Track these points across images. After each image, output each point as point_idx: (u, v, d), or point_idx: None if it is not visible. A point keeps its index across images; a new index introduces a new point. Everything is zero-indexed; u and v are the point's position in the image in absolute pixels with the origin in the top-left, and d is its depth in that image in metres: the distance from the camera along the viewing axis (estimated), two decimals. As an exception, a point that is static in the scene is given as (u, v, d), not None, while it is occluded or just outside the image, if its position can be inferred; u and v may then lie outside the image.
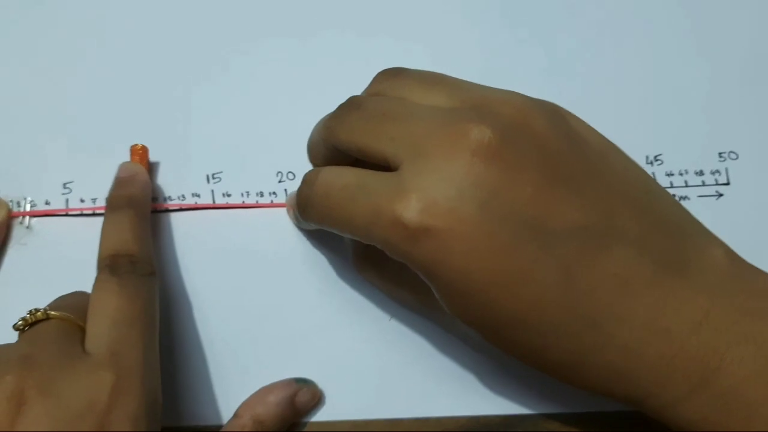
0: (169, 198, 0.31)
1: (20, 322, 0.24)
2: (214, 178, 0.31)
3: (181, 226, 0.31)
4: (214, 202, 0.31)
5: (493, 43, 0.33)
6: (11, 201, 0.31)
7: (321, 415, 0.29)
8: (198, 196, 0.31)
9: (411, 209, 0.22)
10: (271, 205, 0.31)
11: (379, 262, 0.28)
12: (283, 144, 0.32)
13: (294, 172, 0.31)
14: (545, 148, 0.23)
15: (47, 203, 0.31)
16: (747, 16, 0.34)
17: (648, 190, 0.25)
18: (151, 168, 0.31)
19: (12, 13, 0.33)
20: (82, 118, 0.32)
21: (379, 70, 0.27)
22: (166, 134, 0.31)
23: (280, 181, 0.31)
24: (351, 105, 0.26)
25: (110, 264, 0.26)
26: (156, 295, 0.26)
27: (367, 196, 0.23)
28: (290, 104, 0.32)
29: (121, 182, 0.29)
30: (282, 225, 0.31)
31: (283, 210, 0.31)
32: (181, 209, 0.31)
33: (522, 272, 0.22)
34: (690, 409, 0.23)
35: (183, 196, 0.31)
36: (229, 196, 0.31)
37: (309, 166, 0.30)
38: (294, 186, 0.31)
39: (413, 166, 0.23)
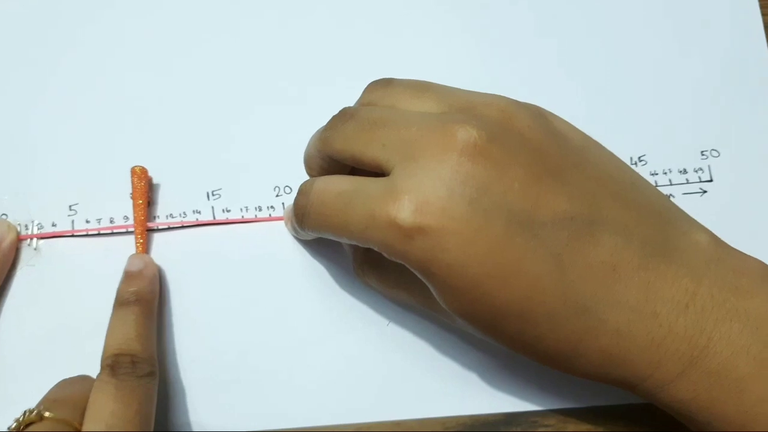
0: (171, 216, 0.32)
1: (14, 425, 0.25)
2: (213, 195, 0.32)
3: (183, 242, 0.32)
4: (214, 218, 0.32)
5: (481, 48, 0.35)
6: (19, 224, 0.32)
7: (324, 420, 0.30)
8: (199, 212, 0.32)
9: (404, 210, 0.23)
10: (270, 218, 0.32)
11: (378, 266, 0.29)
12: (279, 159, 0.33)
13: (290, 186, 0.32)
14: (529, 145, 0.24)
15: (54, 225, 0.32)
16: (726, 17, 0.35)
17: (631, 181, 0.26)
18: (154, 187, 0.32)
19: (15, 42, 0.34)
20: (84, 143, 0.33)
21: (370, 80, 0.28)
22: (166, 154, 0.32)
23: (277, 195, 0.32)
24: (344, 115, 0.27)
25: (111, 364, 0.26)
26: (153, 396, 0.27)
27: (362, 201, 0.24)
28: (284, 120, 0.33)
29: (129, 276, 0.30)
30: (280, 237, 0.32)
31: (281, 223, 0.32)
32: (183, 226, 0.32)
33: (514, 263, 0.23)
34: (681, 389, 0.24)
35: (184, 214, 0.32)
36: (228, 211, 0.32)
37: (305, 179, 0.31)
38: (291, 199, 0.32)
39: (405, 170, 0.24)
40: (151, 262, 0.31)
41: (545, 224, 0.23)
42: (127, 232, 0.32)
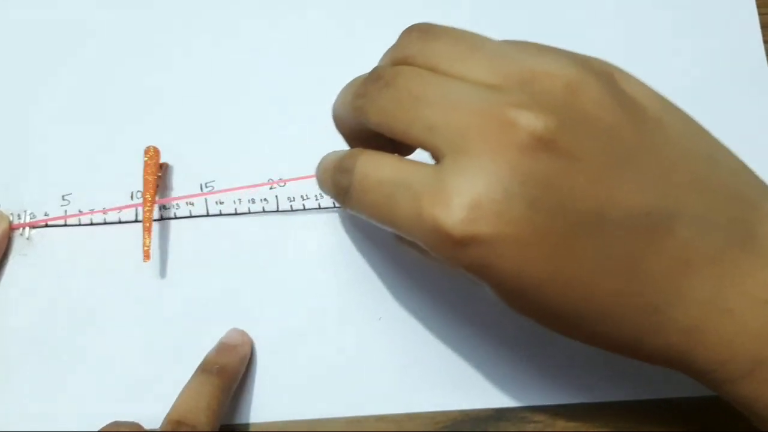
0: (164, 207, 0.32)
1: None
2: (207, 186, 0.32)
3: (174, 234, 0.32)
4: (207, 210, 0.32)
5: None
6: (11, 214, 0.32)
7: (314, 413, 0.30)
8: (192, 204, 0.32)
9: (454, 216, 0.20)
10: (263, 212, 0.32)
11: None
12: (273, 151, 0.33)
13: (284, 179, 0.32)
14: (600, 127, 0.21)
15: (46, 215, 0.32)
16: (723, 15, 0.35)
17: (709, 155, 0.24)
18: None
19: (10, 31, 0.34)
20: (79, 133, 0.33)
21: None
22: (160, 146, 0.32)
23: (270, 188, 0.32)
24: (378, 80, 0.23)
25: (170, 430, 0.26)
26: None
27: (407, 195, 0.22)
28: (279, 111, 0.33)
29: (222, 348, 0.29)
30: (273, 231, 0.32)
31: (275, 216, 0.32)
32: (176, 217, 0.32)
33: (576, 266, 0.21)
34: (747, 387, 0.22)
35: (177, 205, 0.32)
36: (221, 203, 0.32)
37: (297, 173, 0.32)
38: (284, 193, 0.32)
39: (455, 164, 0.21)
40: (248, 342, 0.30)
41: (616, 222, 0.21)
42: (120, 222, 0.32)
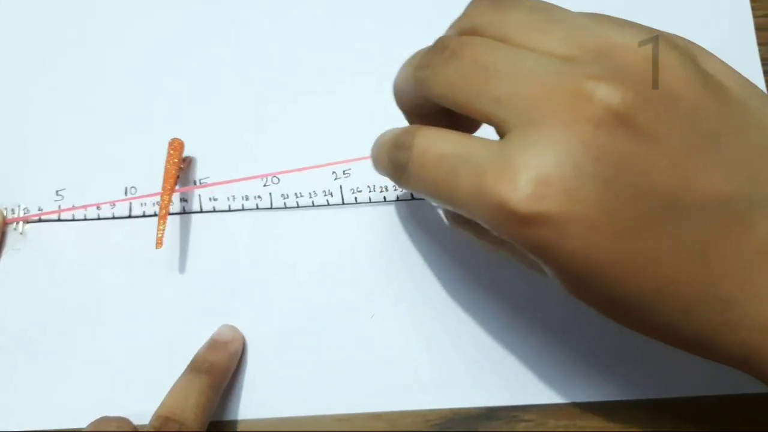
0: (156, 203, 0.32)
1: None
2: (200, 183, 0.32)
3: (167, 231, 0.32)
4: (201, 207, 0.32)
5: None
6: (5, 208, 0.32)
7: (305, 410, 0.30)
8: (186, 201, 0.32)
9: (519, 192, 0.19)
10: (257, 209, 0.32)
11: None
12: (268, 148, 0.33)
13: (278, 177, 0.32)
14: (682, 106, 0.20)
15: (40, 210, 0.32)
16: (716, 17, 0.35)
17: None
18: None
19: (5, 22, 0.35)
20: (73, 128, 0.33)
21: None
22: (155, 143, 0.32)
23: (264, 185, 0.32)
24: (444, 50, 0.22)
25: (158, 426, 0.26)
26: None
27: (469, 171, 0.20)
28: (274, 109, 0.33)
29: (212, 345, 0.29)
30: (267, 228, 0.32)
31: (270, 213, 0.32)
32: (170, 213, 0.32)
33: (647, 253, 0.20)
34: None
35: (172, 201, 0.32)
36: (215, 200, 0.32)
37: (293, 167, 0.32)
38: (278, 189, 0.32)
39: (523, 138, 0.20)
40: (240, 338, 0.30)
41: (694, 208, 0.20)
42: (114, 218, 0.32)
